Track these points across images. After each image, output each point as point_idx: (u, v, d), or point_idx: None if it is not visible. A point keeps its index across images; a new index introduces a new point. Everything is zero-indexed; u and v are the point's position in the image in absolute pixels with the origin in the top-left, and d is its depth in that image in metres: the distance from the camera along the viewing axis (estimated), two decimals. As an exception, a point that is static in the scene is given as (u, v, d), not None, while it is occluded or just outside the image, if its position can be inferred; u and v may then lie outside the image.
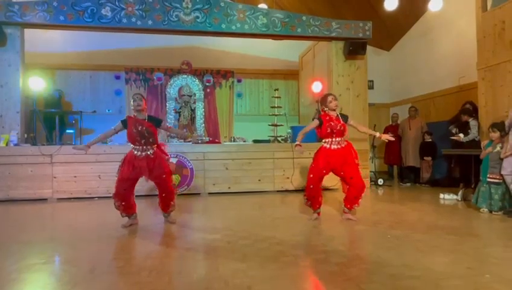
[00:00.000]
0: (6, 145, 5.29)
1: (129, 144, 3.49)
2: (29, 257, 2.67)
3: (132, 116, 3.44)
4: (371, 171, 6.67)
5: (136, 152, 3.38)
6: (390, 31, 8.37)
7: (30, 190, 5.24)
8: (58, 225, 3.83)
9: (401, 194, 5.95)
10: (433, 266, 2.32)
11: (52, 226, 3.82)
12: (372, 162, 7.01)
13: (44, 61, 7.35)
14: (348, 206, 3.74)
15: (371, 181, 6.60)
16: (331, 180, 6.09)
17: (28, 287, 2.19)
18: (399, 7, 6.43)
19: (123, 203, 3.42)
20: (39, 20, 5.49)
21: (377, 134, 3.74)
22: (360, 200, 3.69)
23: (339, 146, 3.60)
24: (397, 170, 7.80)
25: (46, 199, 5.27)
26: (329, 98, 3.66)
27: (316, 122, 3.66)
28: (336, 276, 2.22)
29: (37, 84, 5.80)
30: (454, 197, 5.05)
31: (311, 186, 3.64)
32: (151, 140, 3.39)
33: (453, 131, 5.61)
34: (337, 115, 3.67)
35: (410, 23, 8.06)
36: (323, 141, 3.69)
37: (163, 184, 3.48)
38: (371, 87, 8.43)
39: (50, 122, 6.55)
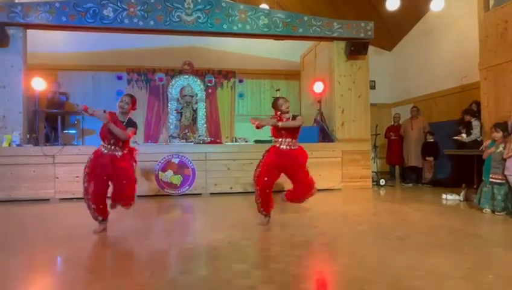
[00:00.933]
0: (9, 145, 5.31)
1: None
2: (31, 257, 2.68)
3: (115, 113, 3.33)
4: (372, 172, 6.66)
5: (103, 149, 3.29)
6: (392, 31, 8.35)
7: (32, 190, 5.25)
8: (60, 226, 3.84)
9: (403, 195, 5.93)
10: (435, 267, 2.31)
11: (54, 226, 3.83)
12: (374, 163, 6.99)
13: (47, 61, 7.36)
14: (287, 197, 3.75)
15: (372, 181, 6.58)
16: (331, 180, 6.14)
17: (31, 287, 2.20)
18: (400, 7, 6.41)
19: (101, 206, 3.28)
20: (41, 21, 5.51)
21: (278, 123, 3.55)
22: (302, 201, 3.77)
23: (288, 147, 3.55)
24: (399, 170, 7.78)
25: (48, 199, 5.29)
26: (280, 101, 3.64)
27: (270, 121, 3.60)
28: (339, 276, 2.22)
29: (39, 85, 5.82)
30: (457, 197, 5.03)
31: (267, 190, 3.49)
32: (120, 143, 3.29)
33: (462, 131, 5.59)
34: (290, 117, 3.60)
35: (412, 23, 8.05)
36: (274, 141, 3.71)
37: (120, 189, 3.33)
38: (372, 87, 8.41)
39: (52, 123, 6.56)
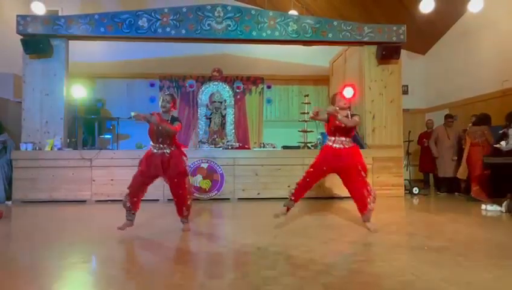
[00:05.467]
0: (51, 149, 5.65)
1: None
2: (69, 256, 2.82)
3: (159, 113, 3.49)
4: (405, 179, 6.42)
5: (153, 149, 3.45)
6: (426, 34, 8.06)
7: (71, 192, 5.54)
8: (96, 226, 4.02)
9: (438, 204, 5.67)
10: (475, 282, 2.18)
11: (90, 227, 4.01)
12: (407, 170, 6.74)
13: (86, 70, 7.79)
14: (361, 213, 3.60)
15: (405, 190, 6.34)
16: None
17: (68, 285, 2.31)
18: (435, 9, 6.18)
19: (134, 199, 3.43)
20: (82, 32, 5.86)
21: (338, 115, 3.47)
22: (368, 206, 3.52)
23: (342, 146, 3.51)
24: (433, 178, 7.45)
25: (85, 201, 5.55)
26: (338, 97, 3.64)
27: (325, 116, 3.58)
28: (370, 287, 2.15)
29: (79, 92, 6.16)
30: (498, 208, 4.73)
31: (308, 179, 3.58)
32: (168, 141, 3.44)
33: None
34: (348, 114, 3.56)
35: (448, 25, 7.73)
36: (328, 138, 3.63)
37: (175, 187, 3.48)
38: (405, 92, 8.15)
39: (90, 128, 6.92)
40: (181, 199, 3.52)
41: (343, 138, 3.52)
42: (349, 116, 3.56)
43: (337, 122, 3.45)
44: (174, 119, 3.49)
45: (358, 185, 3.52)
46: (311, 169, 3.60)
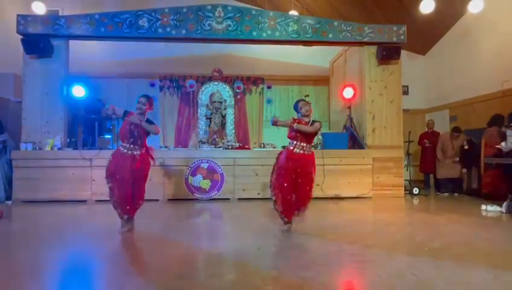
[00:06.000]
0: (51, 149, 5.65)
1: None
2: (69, 257, 2.82)
3: (133, 113, 3.47)
4: (405, 180, 6.41)
5: (122, 149, 3.43)
6: (426, 35, 8.06)
7: (71, 192, 5.53)
8: (96, 226, 4.02)
9: (438, 205, 5.67)
10: (474, 282, 2.18)
11: (90, 227, 4.01)
12: (407, 170, 6.74)
13: (86, 69, 7.78)
14: (297, 210, 3.60)
15: (405, 190, 6.34)
16: (361, 188, 6.00)
17: (68, 285, 2.31)
18: (435, 10, 6.18)
19: (127, 207, 3.42)
20: (82, 32, 5.85)
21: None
22: (301, 213, 3.57)
23: (301, 151, 3.50)
24: (434, 178, 7.45)
25: (85, 201, 5.55)
26: (300, 104, 3.61)
27: (288, 122, 3.58)
28: (370, 287, 2.15)
29: (79, 92, 6.17)
30: (498, 209, 4.73)
31: (289, 197, 3.46)
32: (139, 142, 3.44)
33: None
34: (310, 121, 3.56)
35: (448, 26, 7.73)
36: (289, 142, 3.61)
37: (140, 189, 3.49)
38: (405, 92, 8.15)
39: (90, 128, 6.92)
40: (141, 200, 3.54)
41: (304, 144, 3.50)
42: (310, 123, 3.55)
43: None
44: (149, 122, 3.48)
45: (307, 188, 3.55)
46: (285, 184, 3.46)
